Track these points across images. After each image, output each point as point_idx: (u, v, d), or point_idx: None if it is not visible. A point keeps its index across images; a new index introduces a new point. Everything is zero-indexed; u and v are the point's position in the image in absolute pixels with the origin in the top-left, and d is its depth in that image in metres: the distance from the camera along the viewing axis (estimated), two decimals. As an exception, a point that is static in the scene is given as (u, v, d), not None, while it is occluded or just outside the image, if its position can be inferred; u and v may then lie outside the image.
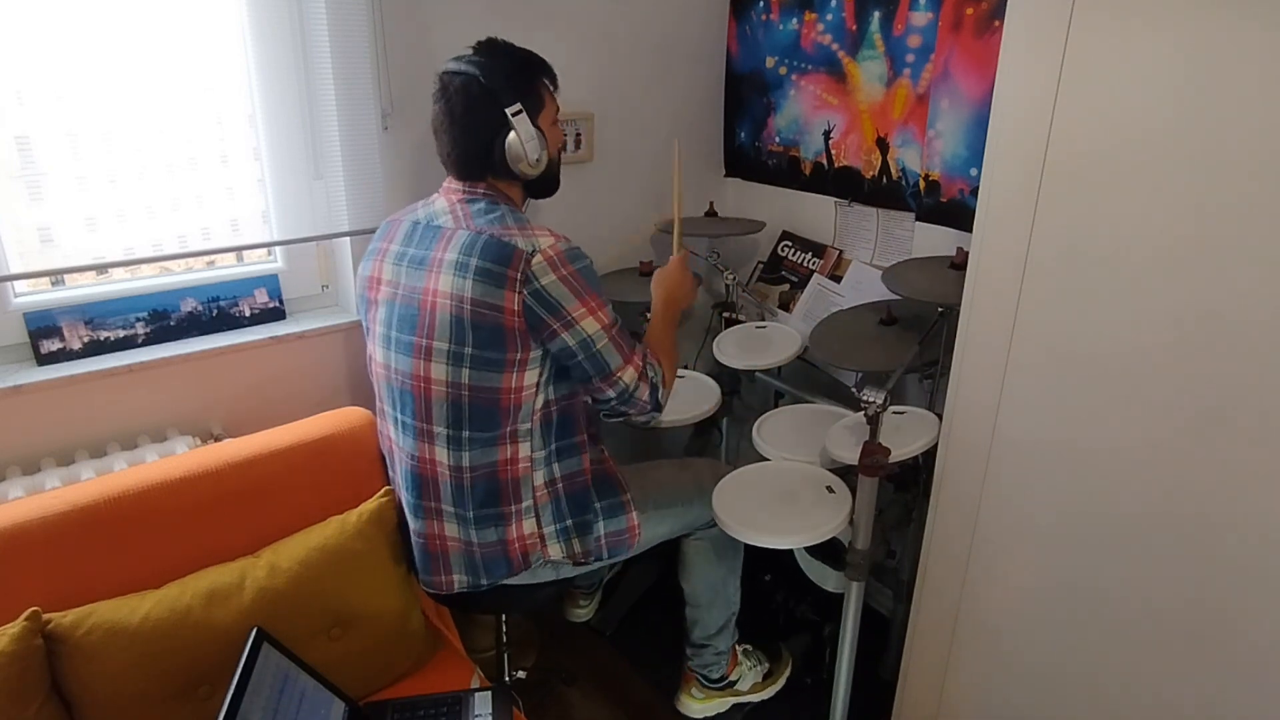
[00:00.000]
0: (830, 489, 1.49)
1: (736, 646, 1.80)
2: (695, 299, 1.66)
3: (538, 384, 1.32)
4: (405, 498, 1.41)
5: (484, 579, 1.38)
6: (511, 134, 1.31)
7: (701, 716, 1.79)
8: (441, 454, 1.33)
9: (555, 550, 1.40)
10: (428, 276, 1.29)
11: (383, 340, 1.36)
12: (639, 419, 1.42)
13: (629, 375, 1.35)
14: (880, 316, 1.74)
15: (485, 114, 1.30)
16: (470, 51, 1.34)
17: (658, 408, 1.42)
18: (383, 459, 1.50)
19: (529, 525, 1.37)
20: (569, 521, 1.41)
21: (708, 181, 2.31)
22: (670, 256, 1.64)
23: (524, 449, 1.34)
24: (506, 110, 1.29)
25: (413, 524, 1.40)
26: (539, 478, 1.37)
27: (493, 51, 1.34)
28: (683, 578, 1.68)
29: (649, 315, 2.06)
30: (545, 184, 1.44)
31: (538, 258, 1.25)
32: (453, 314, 1.26)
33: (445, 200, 1.37)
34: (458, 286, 1.25)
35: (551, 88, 1.40)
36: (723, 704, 1.79)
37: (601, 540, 1.43)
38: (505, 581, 1.40)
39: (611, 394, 1.35)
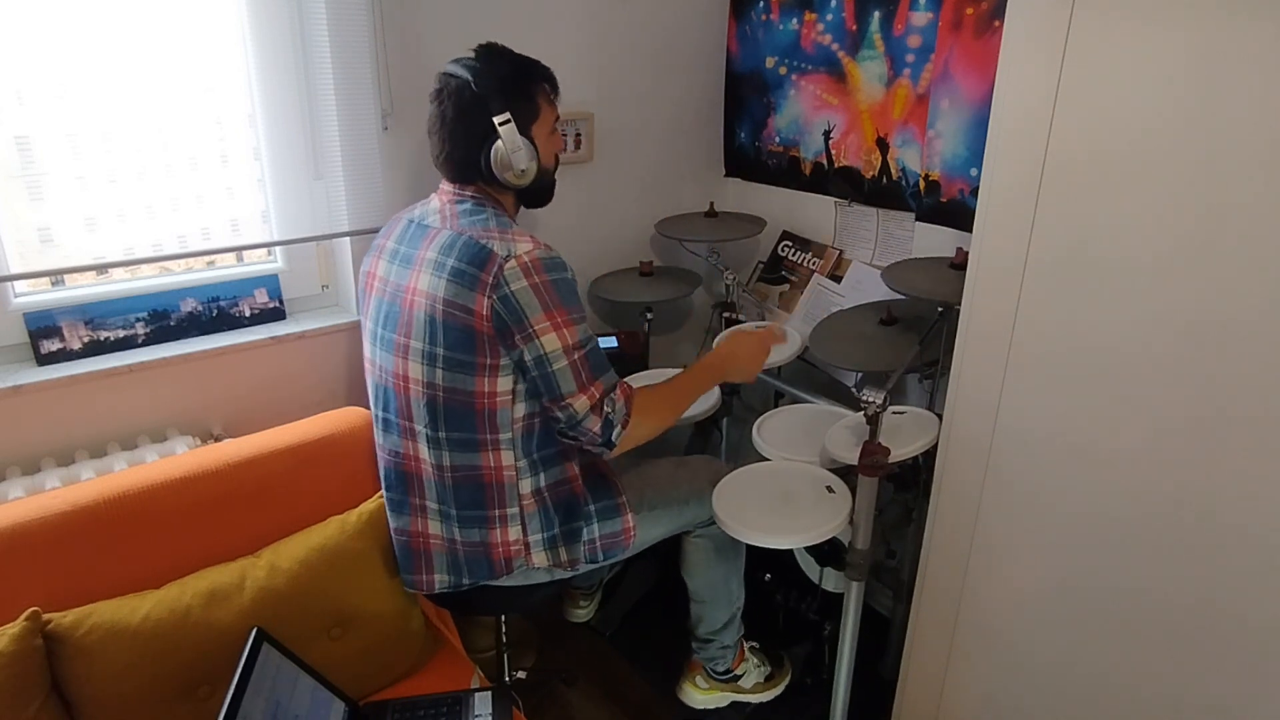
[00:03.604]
0: (830, 489, 1.49)
1: (744, 643, 1.80)
2: (752, 381, 1.60)
3: (513, 391, 1.29)
4: (387, 495, 1.41)
5: (465, 578, 1.38)
6: (498, 143, 1.30)
7: (700, 708, 1.78)
8: (425, 451, 1.33)
9: (540, 558, 1.39)
10: (411, 275, 1.30)
11: (372, 336, 1.37)
12: (588, 448, 1.34)
13: (580, 404, 1.27)
14: (880, 316, 1.74)
15: (474, 121, 1.30)
16: (471, 55, 1.34)
17: (608, 445, 1.32)
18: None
19: (514, 532, 1.36)
20: (556, 530, 1.40)
21: (708, 181, 2.31)
22: (767, 325, 1.70)
23: (507, 457, 1.33)
24: (494, 119, 1.29)
25: (394, 521, 1.40)
26: (525, 486, 1.36)
27: (490, 57, 1.34)
28: (685, 574, 1.68)
29: (649, 315, 2.08)
30: (537, 194, 1.44)
31: (511, 263, 1.23)
32: (427, 313, 1.26)
33: (438, 200, 1.38)
34: (433, 286, 1.25)
35: (552, 95, 1.40)
36: (723, 698, 1.79)
37: (596, 542, 1.43)
38: (502, 583, 1.40)
39: (560, 416, 1.29)
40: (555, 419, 1.32)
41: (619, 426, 1.31)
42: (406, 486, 1.37)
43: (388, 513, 1.41)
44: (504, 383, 1.28)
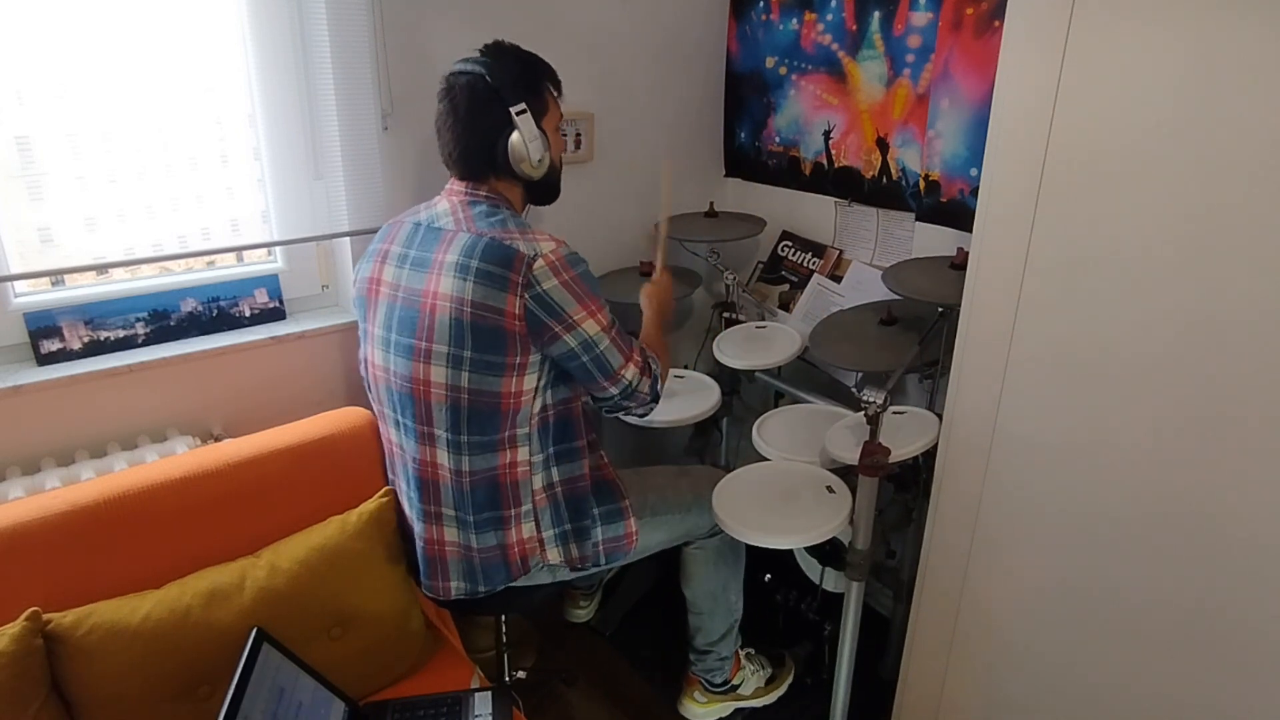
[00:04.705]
0: (830, 489, 1.49)
1: (740, 651, 1.80)
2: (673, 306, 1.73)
3: (536, 388, 1.31)
4: (411, 501, 1.40)
5: (482, 586, 1.38)
6: (515, 133, 1.31)
7: None
8: (444, 457, 1.33)
9: (554, 555, 1.40)
10: (428, 279, 1.29)
11: (381, 343, 1.36)
12: (639, 411, 1.44)
13: (631, 372, 1.36)
14: (880, 316, 1.74)
15: (489, 112, 1.31)
16: (478, 53, 1.34)
17: (656, 398, 1.44)
18: (383, 459, 1.50)
19: (528, 529, 1.37)
20: (568, 526, 1.40)
21: (708, 181, 2.31)
22: (657, 272, 1.71)
23: (522, 453, 1.34)
24: (511, 109, 1.30)
25: (416, 528, 1.40)
26: (538, 482, 1.37)
27: (500, 53, 1.34)
28: (684, 585, 1.68)
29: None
30: (546, 189, 1.44)
31: (539, 262, 1.24)
32: (453, 316, 1.25)
33: (447, 202, 1.36)
34: (458, 289, 1.25)
35: (556, 93, 1.41)
36: (725, 709, 1.79)
37: (599, 546, 1.43)
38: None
39: (614, 390, 1.36)
40: (606, 397, 1.37)
41: (661, 379, 1.44)
42: (423, 493, 1.37)
43: (411, 519, 1.41)
44: (529, 380, 1.30)
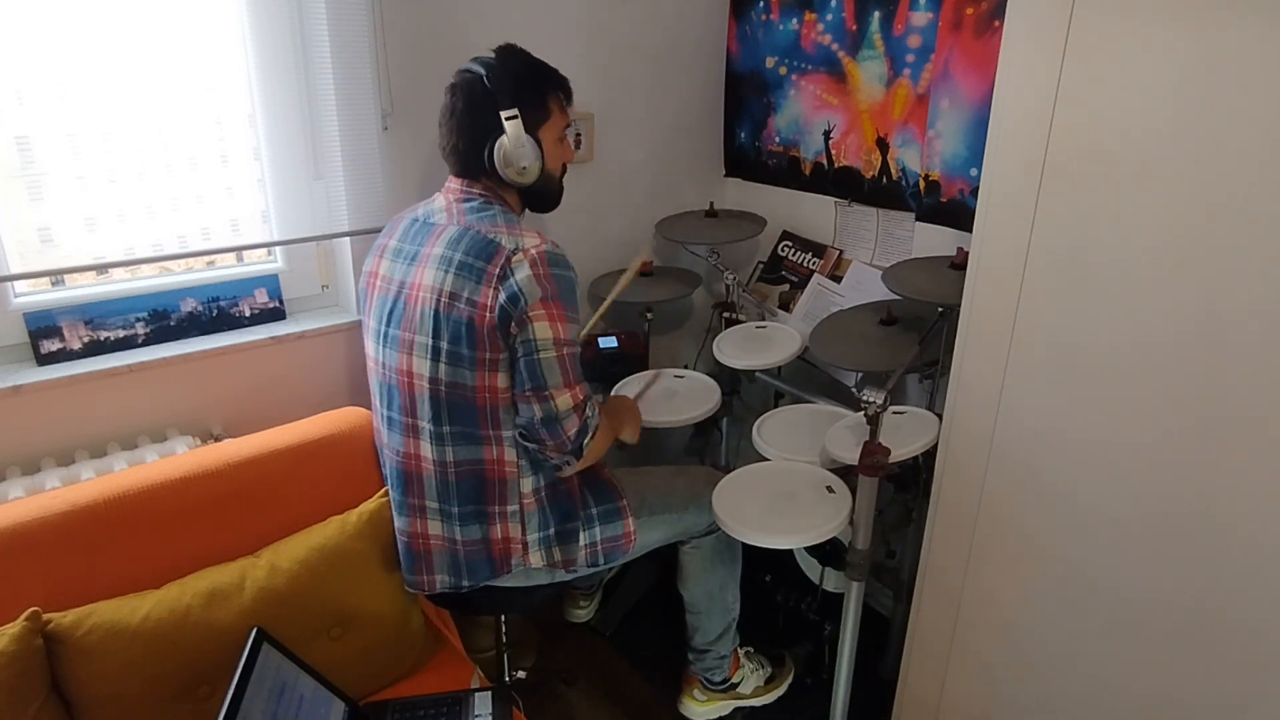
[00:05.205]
0: (830, 489, 1.49)
1: (739, 650, 1.80)
2: (637, 440, 1.57)
3: (513, 388, 1.30)
4: (392, 495, 1.41)
5: (465, 580, 1.38)
6: (503, 138, 1.31)
7: (703, 719, 1.79)
8: (427, 449, 1.33)
9: (536, 558, 1.39)
10: (415, 271, 1.30)
11: (375, 335, 1.37)
12: (554, 457, 1.33)
13: (563, 401, 1.28)
14: (880, 316, 1.74)
15: (481, 114, 1.31)
16: (491, 53, 1.35)
17: (578, 453, 1.32)
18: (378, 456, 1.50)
19: (513, 529, 1.37)
20: (552, 530, 1.40)
21: (708, 181, 2.31)
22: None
23: (510, 454, 1.34)
24: (501, 114, 1.30)
25: (397, 522, 1.40)
26: (527, 485, 1.36)
27: (506, 56, 1.35)
28: (681, 585, 1.68)
29: (649, 315, 2.08)
30: (541, 196, 1.44)
31: (519, 255, 1.24)
32: (432, 307, 1.26)
33: (444, 198, 1.38)
34: (438, 280, 1.26)
35: (565, 102, 1.40)
36: (724, 707, 1.79)
37: (597, 546, 1.43)
38: (502, 583, 1.40)
39: (537, 411, 1.28)
40: (526, 415, 1.30)
41: (590, 434, 1.33)
42: (406, 487, 1.37)
43: (393, 512, 1.41)
44: (503, 379, 1.29)
